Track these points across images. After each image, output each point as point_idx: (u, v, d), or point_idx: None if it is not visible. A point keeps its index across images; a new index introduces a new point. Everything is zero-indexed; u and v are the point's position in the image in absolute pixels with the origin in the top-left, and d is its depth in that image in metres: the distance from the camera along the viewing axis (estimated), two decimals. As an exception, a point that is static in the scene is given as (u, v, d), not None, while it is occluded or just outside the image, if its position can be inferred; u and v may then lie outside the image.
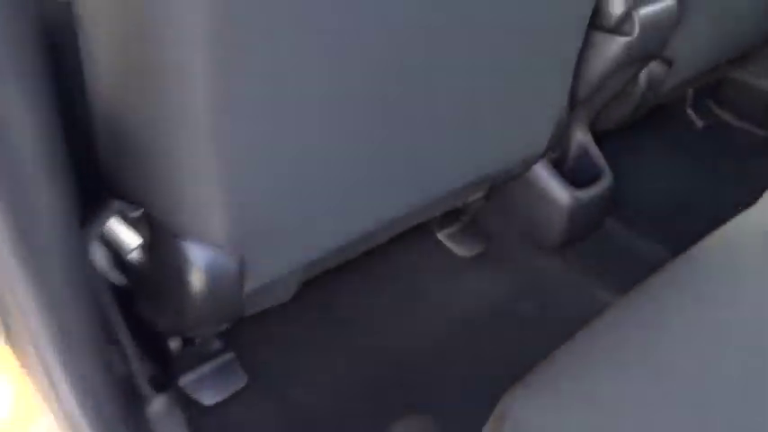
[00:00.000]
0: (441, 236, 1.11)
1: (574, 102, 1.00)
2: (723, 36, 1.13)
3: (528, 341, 1.02)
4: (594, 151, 1.11)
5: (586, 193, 1.06)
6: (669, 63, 1.09)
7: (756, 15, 1.16)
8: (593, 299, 1.06)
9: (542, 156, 0.96)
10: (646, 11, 0.90)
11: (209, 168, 0.54)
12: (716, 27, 1.09)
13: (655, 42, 0.95)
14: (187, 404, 0.80)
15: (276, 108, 0.55)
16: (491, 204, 1.11)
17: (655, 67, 1.08)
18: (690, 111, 1.49)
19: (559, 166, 1.12)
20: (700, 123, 1.49)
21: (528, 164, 0.96)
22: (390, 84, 0.64)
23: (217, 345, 0.85)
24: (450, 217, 1.11)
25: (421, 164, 0.77)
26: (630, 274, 1.14)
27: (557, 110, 0.90)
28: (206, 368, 0.84)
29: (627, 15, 0.88)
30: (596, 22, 0.90)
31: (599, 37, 0.91)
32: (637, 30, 0.90)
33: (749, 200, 0.76)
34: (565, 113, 0.92)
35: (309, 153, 0.61)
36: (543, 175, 1.05)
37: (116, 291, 0.67)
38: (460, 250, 1.11)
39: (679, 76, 1.12)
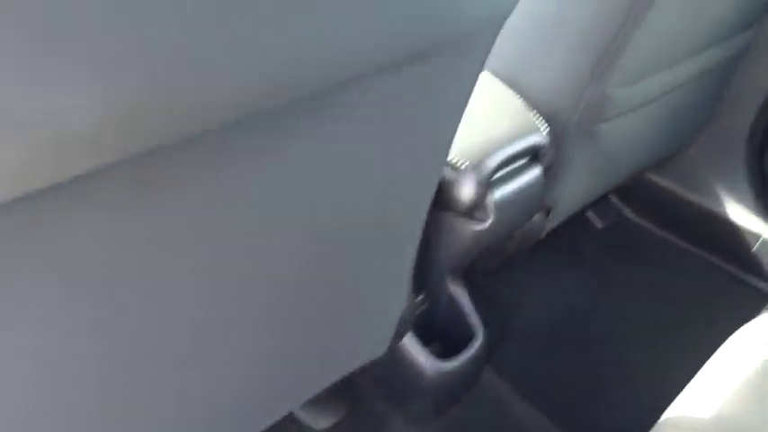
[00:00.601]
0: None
1: (430, 283, 0.88)
2: (607, 179, 1.02)
3: None
4: (467, 307, 0.99)
5: (454, 363, 0.94)
6: (547, 211, 0.98)
7: (642, 153, 1.06)
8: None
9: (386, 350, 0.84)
10: (503, 193, 0.78)
11: None
12: (598, 173, 0.99)
13: (517, 221, 0.84)
14: None
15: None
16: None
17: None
18: (589, 211, 1.40)
19: (428, 322, 1.01)
20: (599, 224, 1.40)
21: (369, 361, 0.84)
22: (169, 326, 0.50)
23: None
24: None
25: (227, 409, 0.64)
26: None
27: (397, 308, 0.77)
28: None
29: (478, 202, 0.76)
30: (447, 204, 0.78)
31: (452, 221, 0.79)
32: (491, 217, 0.78)
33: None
34: (411, 302, 0.80)
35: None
36: (405, 342, 0.94)
37: None
38: (319, 422, 0.99)
39: (560, 218, 1.02)
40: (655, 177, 1.35)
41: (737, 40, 1.03)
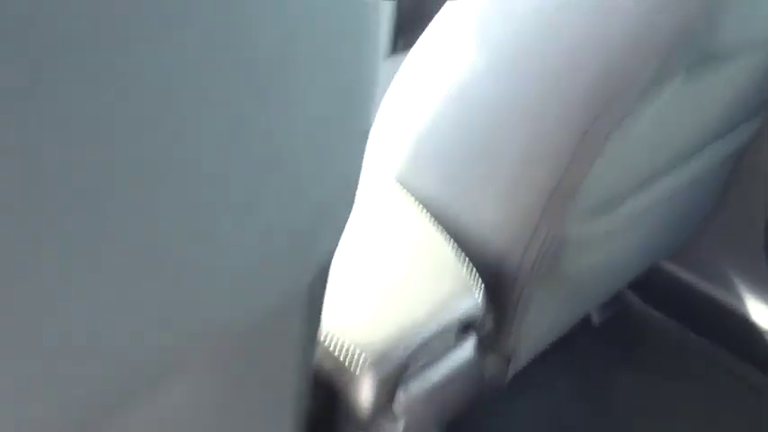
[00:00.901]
0: None
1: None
2: (578, 310, 0.83)
3: None
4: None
5: None
6: (507, 359, 0.79)
7: (622, 273, 0.87)
8: None
9: None
10: (419, 388, 0.60)
11: None
12: (564, 308, 0.80)
13: (446, 411, 0.66)
14: None
15: None
16: None
17: (491, 363, 0.79)
18: (585, 304, 1.20)
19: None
20: (597, 318, 1.20)
21: None
22: None
23: None
24: None
25: None
26: None
27: None
28: None
29: (380, 408, 0.58)
30: (345, 414, 0.60)
31: None
32: (401, 422, 0.60)
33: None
34: None
35: None
36: None
37: None
38: None
39: (523, 363, 0.83)
40: (665, 264, 1.14)
41: (742, 130, 0.83)
